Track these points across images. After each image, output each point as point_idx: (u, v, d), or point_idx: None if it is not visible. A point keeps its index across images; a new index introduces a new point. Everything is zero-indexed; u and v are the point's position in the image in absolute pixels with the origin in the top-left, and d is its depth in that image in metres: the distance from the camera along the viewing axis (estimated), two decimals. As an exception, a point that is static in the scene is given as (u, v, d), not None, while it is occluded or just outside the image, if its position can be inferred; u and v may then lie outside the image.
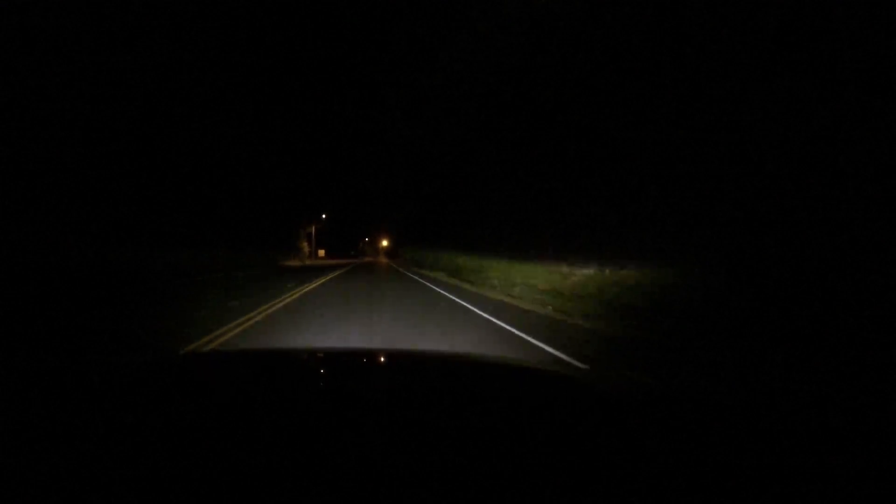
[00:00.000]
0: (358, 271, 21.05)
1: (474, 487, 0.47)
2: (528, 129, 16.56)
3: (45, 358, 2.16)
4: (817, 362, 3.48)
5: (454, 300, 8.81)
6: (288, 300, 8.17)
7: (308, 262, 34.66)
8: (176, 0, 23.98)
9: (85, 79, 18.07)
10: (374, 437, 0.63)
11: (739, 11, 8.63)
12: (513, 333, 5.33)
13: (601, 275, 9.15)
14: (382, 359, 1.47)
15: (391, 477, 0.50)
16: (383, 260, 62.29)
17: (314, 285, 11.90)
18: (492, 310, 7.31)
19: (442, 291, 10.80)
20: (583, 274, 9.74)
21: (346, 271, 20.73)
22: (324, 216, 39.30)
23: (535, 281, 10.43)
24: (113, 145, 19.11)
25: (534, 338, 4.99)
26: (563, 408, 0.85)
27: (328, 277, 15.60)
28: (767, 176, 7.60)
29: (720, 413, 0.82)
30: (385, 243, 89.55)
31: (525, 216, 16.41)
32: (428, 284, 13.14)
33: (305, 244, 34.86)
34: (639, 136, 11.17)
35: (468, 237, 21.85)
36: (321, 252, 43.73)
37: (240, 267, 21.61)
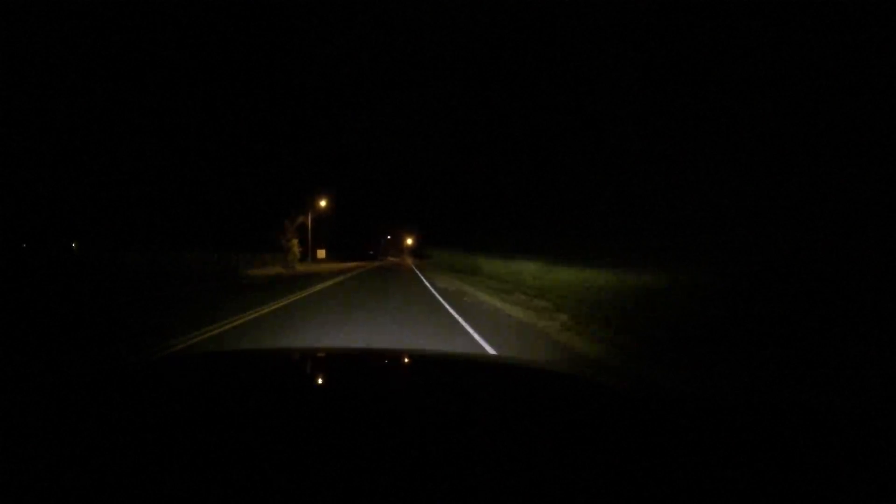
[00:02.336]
0: (349, 291, 10.14)
1: (476, 486, 0.45)
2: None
3: None
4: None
5: None
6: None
7: (300, 269, 24.27)
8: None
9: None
10: (375, 440, 0.59)
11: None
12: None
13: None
14: (386, 360, 1.37)
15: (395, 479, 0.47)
16: (408, 261, 51.56)
17: None
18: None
19: None
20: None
21: (326, 291, 9.91)
22: (323, 203, 28.44)
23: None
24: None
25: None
26: (570, 407, 0.82)
27: (268, 309, 4.81)
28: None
29: (724, 412, 0.78)
30: (410, 241, 78.99)
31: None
32: None
33: (295, 242, 24.39)
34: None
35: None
36: (321, 253, 33.07)
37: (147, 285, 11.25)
